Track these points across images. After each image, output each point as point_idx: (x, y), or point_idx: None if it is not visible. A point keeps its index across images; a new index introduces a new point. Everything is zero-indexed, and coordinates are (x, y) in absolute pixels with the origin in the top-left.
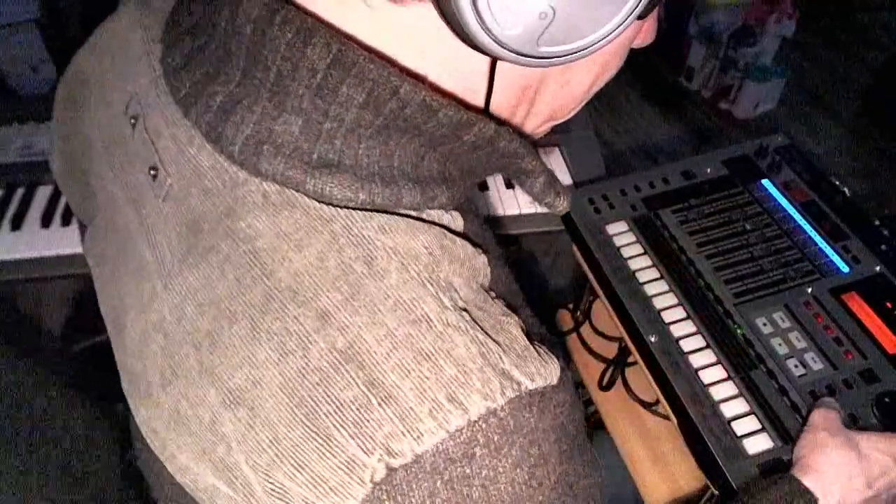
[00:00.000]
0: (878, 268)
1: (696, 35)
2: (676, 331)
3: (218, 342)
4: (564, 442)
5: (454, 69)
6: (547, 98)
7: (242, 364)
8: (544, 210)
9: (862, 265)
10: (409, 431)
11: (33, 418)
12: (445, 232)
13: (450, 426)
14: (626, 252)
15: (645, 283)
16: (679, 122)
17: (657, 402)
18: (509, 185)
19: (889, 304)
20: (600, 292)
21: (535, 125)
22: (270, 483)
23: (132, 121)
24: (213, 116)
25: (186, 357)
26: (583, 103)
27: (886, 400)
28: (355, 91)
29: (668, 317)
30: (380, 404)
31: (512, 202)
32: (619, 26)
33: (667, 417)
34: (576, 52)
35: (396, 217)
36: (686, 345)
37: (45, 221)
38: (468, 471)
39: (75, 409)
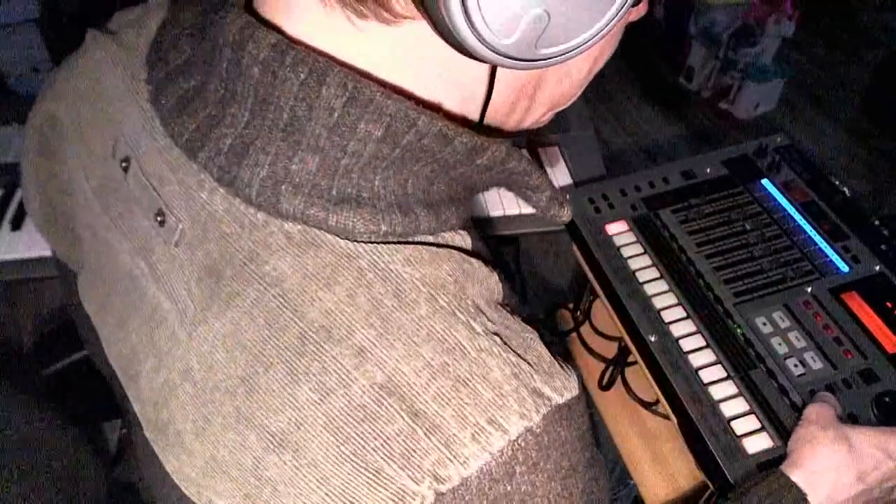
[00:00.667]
0: (877, 267)
1: (696, 35)
2: (676, 330)
3: (255, 388)
4: (588, 450)
5: (453, 79)
6: (547, 91)
7: (283, 407)
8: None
9: (862, 265)
10: (455, 457)
11: (21, 444)
12: (464, 255)
13: (493, 448)
14: (626, 252)
15: (645, 282)
16: (679, 122)
17: (657, 401)
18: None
19: (889, 304)
20: (600, 292)
21: (537, 116)
22: None
23: (123, 164)
24: (224, 160)
25: (221, 405)
26: (583, 88)
27: (886, 399)
28: (373, 126)
29: (667, 316)
30: (425, 434)
31: (512, 202)
32: (615, 17)
33: (666, 417)
34: (575, 49)
35: (420, 247)
36: (686, 344)
37: None
38: (510, 488)
39: (59, 432)
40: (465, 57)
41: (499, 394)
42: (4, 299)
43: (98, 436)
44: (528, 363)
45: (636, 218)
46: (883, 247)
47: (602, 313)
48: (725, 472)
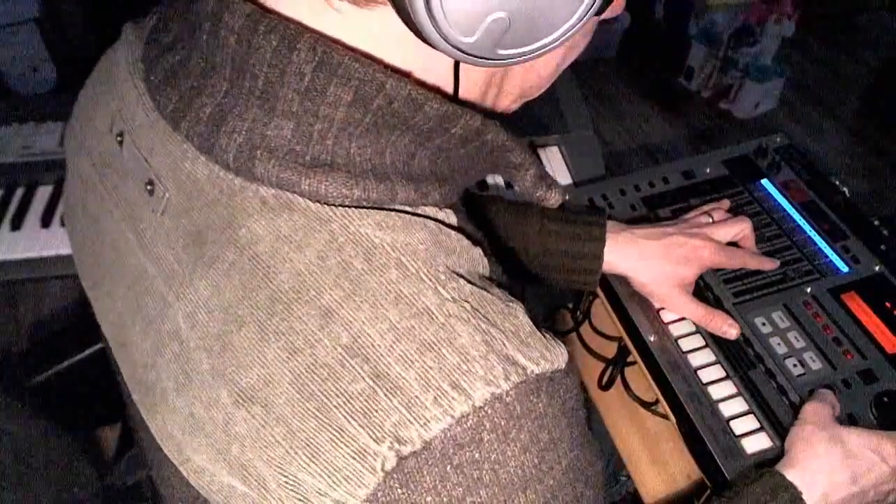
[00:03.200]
0: (877, 268)
1: (696, 35)
2: (675, 330)
3: (228, 345)
4: (576, 428)
5: (424, 67)
6: (515, 81)
7: (253, 364)
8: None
9: (861, 265)
10: (416, 419)
11: (17, 451)
12: (440, 226)
13: (455, 412)
14: None
15: None
16: (679, 122)
17: (656, 401)
18: (509, 186)
19: (888, 304)
20: (600, 292)
21: (506, 104)
22: (284, 476)
23: (118, 138)
24: (204, 128)
25: (199, 362)
26: (552, 81)
27: (885, 400)
28: (343, 90)
29: (666, 316)
30: (386, 395)
31: None
32: (576, 24)
33: (666, 417)
34: (536, 52)
35: (392, 213)
36: (685, 344)
37: (45, 221)
38: (477, 455)
39: (54, 439)
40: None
41: (464, 359)
42: (4, 299)
43: (92, 442)
44: (502, 331)
45: (636, 218)
46: (883, 247)
47: (602, 313)
48: (724, 471)
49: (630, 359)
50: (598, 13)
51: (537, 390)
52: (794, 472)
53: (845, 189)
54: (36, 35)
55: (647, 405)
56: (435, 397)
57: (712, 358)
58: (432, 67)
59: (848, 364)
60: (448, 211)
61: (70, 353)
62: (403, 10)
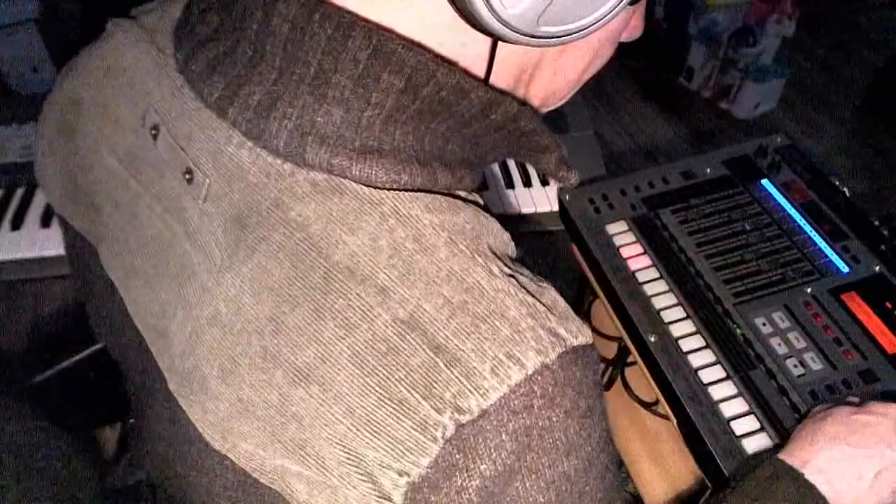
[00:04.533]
0: (877, 268)
1: (696, 35)
2: (676, 330)
3: (281, 326)
4: (602, 400)
5: (465, 54)
6: (542, 83)
7: (309, 343)
8: (543, 209)
9: (862, 265)
10: (475, 389)
11: (16, 451)
12: (478, 209)
13: (511, 381)
14: (625, 252)
15: (644, 282)
16: (679, 122)
17: (657, 401)
18: (509, 186)
19: (889, 304)
20: (600, 292)
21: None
22: (346, 453)
23: (153, 131)
24: (252, 114)
25: (248, 345)
26: (574, 90)
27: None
28: (395, 78)
29: (667, 316)
30: (446, 366)
31: (511, 202)
32: (613, 9)
33: (666, 417)
34: (573, 33)
35: (438, 196)
36: (685, 344)
37: (45, 221)
38: (528, 422)
39: (54, 439)
40: (470, 29)
41: (516, 330)
42: (4, 299)
43: (92, 442)
44: (544, 305)
45: (636, 218)
46: (883, 247)
47: (602, 313)
48: (725, 471)
49: (630, 359)
50: (633, 2)
51: (575, 361)
52: (791, 456)
53: (845, 189)
54: (36, 35)
55: (648, 405)
56: (492, 367)
57: (713, 358)
58: (466, 53)
59: (848, 364)
60: (476, 195)
61: (70, 353)
62: None
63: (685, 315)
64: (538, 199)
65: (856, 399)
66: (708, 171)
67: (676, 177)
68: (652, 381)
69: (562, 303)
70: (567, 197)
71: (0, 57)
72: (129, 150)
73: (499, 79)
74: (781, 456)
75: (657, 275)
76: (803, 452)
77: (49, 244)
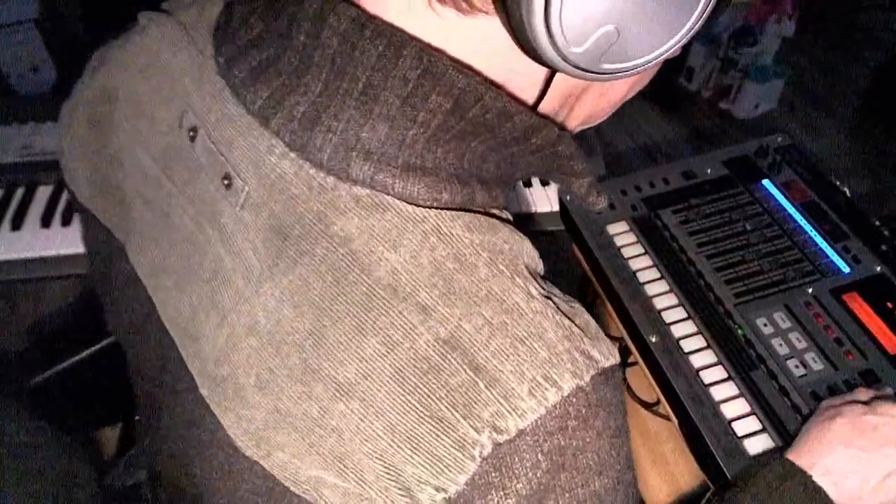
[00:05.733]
0: (878, 268)
1: (696, 35)
2: (677, 331)
3: (322, 340)
4: (627, 419)
5: (512, 79)
6: (586, 105)
7: (351, 359)
8: (544, 209)
9: (862, 265)
10: (513, 410)
11: (15, 451)
12: (513, 228)
13: (548, 402)
14: (626, 252)
15: (645, 283)
16: (679, 122)
17: (658, 402)
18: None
19: (889, 304)
20: (601, 292)
21: (570, 127)
22: (385, 468)
23: (190, 133)
24: (297, 126)
25: (287, 357)
26: (613, 111)
27: None
28: (444, 99)
29: (668, 317)
30: (486, 386)
31: (511, 203)
32: (675, 45)
33: (667, 418)
34: (633, 70)
35: (478, 215)
36: (686, 345)
37: (45, 221)
38: (563, 442)
39: (52, 440)
40: (527, 59)
41: (554, 353)
42: (4, 299)
43: (92, 442)
44: (578, 326)
45: (636, 218)
46: (883, 247)
47: (602, 314)
48: (726, 472)
49: (631, 359)
50: (692, 38)
51: (606, 382)
52: (799, 457)
53: (845, 189)
54: (36, 35)
55: (649, 406)
56: (530, 389)
57: (714, 359)
58: (518, 80)
59: (849, 364)
60: (507, 212)
61: (69, 354)
62: (515, 18)
63: (686, 315)
64: (538, 199)
65: (864, 396)
66: (708, 171)
67: (677, 177)
68: (653, 382)
69: (593, 324)
70: (568, 197)
71: (0, 57)
72: (164, 149)
73: (545, 102)
74: (790, 456)
75: (658, 275)
76: (811, 454)
77: (49, 244)
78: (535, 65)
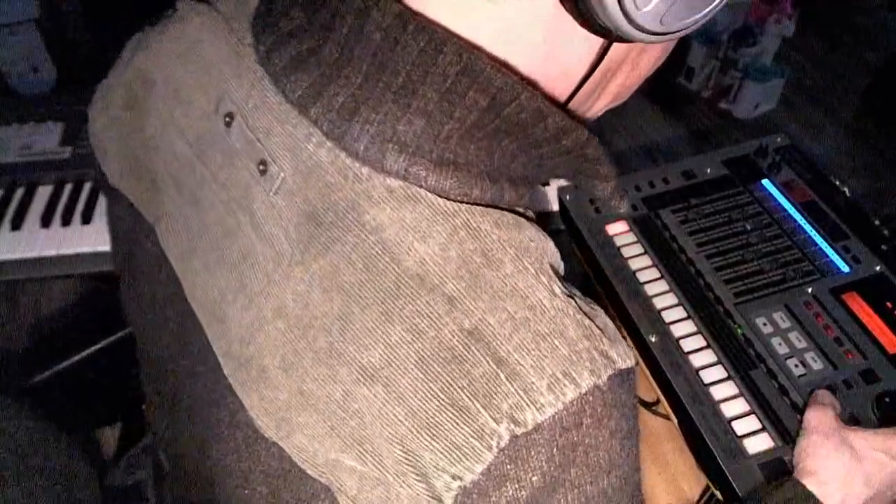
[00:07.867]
0: (878, 268)
1: (696, 35)
2: (677, 330)
3: (350, 325)
4: (638, 422)
5: (555, 57)
6: (619, 80)
7: (376, 344)
8: (544, 209)
9: (862, 265)
10: (532, 403)
11: (15, 450)
12: (538, 228)
13: (566, 398)
14: (626, 252)
15: (645, 282)
16: (679, 122)
17: (657, 401)
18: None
19: (889, 304)
20: (600, 292)
21: (599, 108)
22: (405, 452)
23: (227, 118)
24: (336, 115)
25: (314, 340)
26: (639, 85)
27: (886, 400)
28: (481, 96)
29: (668, 316)
30: (507, 379)
31: None
32: (720, 3)
33: (667, 417)
34: (688, 28)
35: (506, 213)
36: (686, 344)
37: (45, 221)
38: (576, 438)
39: (53, 439)
40: (574, 35)
41: (573, 350)
42: (4, 299)
43: (92, 442)
44: (598, 327)
45: (636, 218)
46: (883, 247)
47: None
48: (726, 472)
49: None
50: None
51: (622, 383)
52: (810, 483)
53: (845, 189)
54: (36, 35)
55: (649, 405)
56: (549, 384)
57: (714, 358)
58: (560, 60)
59: (849, 364)
60: (531, 211)
61: (70, 354)
62: None
63: (686, 315)
64: (538, 199)
65: (826, 399)
66: (708, 171)
67: (676, 177)
68: (653, 381)
69: (612, 326)
70: (567, 197)
71: (0, 57)
72: (199, 135)
73: (588, 84)
74: (803, 480)
75: (658, 275)
76: (820, 486)
77: (49, 244)
78: (586, 43)
